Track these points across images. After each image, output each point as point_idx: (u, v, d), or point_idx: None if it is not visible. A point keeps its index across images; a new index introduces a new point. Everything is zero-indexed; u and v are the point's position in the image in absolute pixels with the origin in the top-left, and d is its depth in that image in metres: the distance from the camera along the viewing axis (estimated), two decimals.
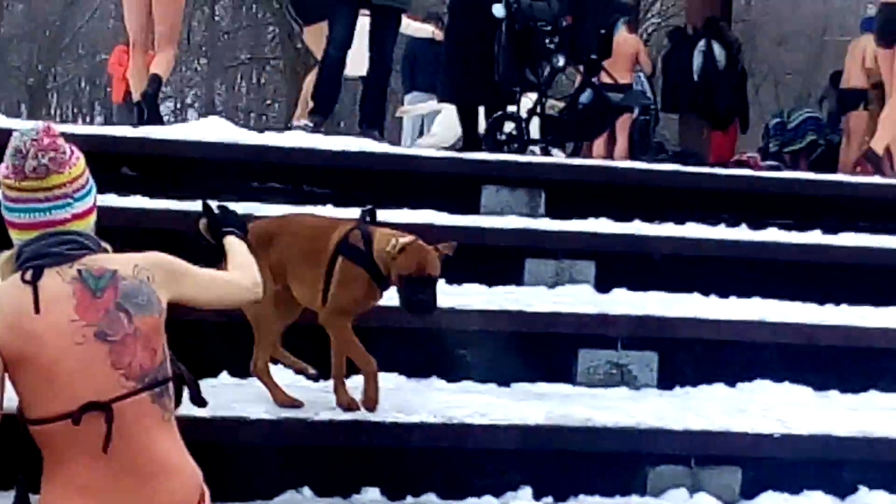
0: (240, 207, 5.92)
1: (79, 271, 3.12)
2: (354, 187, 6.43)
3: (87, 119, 36.18)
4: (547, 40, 8.23)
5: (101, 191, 3.38)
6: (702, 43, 13.07)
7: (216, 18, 34.25)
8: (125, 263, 3.18)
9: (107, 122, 29.04)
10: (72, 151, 3.23)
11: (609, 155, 12.56)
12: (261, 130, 7.34)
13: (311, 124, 7.94)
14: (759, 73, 24.94)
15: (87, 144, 6.22)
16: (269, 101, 36.55)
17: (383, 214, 5.94)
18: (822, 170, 13.55)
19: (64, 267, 3.12)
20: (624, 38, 12.98)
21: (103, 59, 24.39)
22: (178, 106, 36.43)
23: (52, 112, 35.02)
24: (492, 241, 5.99)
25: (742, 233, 6.52)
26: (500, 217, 6.38)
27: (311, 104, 8.27)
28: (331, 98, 8.19)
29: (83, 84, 35.84)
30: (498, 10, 8.31)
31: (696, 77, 13.10)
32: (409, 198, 6.37)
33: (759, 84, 25.87)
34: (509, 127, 8.22)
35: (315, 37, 9.38)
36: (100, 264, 3.15)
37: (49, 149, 3.16)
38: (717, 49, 13.12)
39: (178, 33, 9.35)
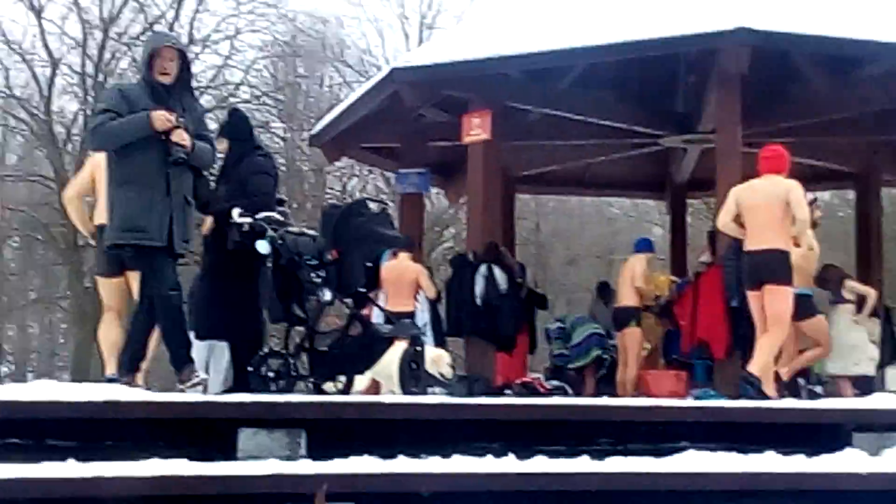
0: None
1: None
2: (101, 438, 6.12)
3: None
4: (313, 275, 8.13)
5: None
6: (483, 268, 13.22)
7: (4, 259, 33.50)
8: None
9: None
10: None
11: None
12: (50, 372, 7.00)
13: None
14: (551, 292, 25.41)
15: None
16: (62, 341, 35.68)
17: (130, 467, 5.66)
18: (611, 384, 13.77)
19: None
20: (406, 266, 13.07)
21: None
22: None
23: None
24: (245, 489, 5.70)
25: (508, 464, 6.37)
26: (258, 462, 6.09)
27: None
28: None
29: None
30: (262, 247, 8.16)
31: (478, 301, 13.20)
32: (161, 447, 6.07)
33: (551, 301, 26.36)
34: (276, 364, 7.99)
35: (106, 288, 9.18)
36: None
37: None
38: (499, 273, 13.28)
39: None
